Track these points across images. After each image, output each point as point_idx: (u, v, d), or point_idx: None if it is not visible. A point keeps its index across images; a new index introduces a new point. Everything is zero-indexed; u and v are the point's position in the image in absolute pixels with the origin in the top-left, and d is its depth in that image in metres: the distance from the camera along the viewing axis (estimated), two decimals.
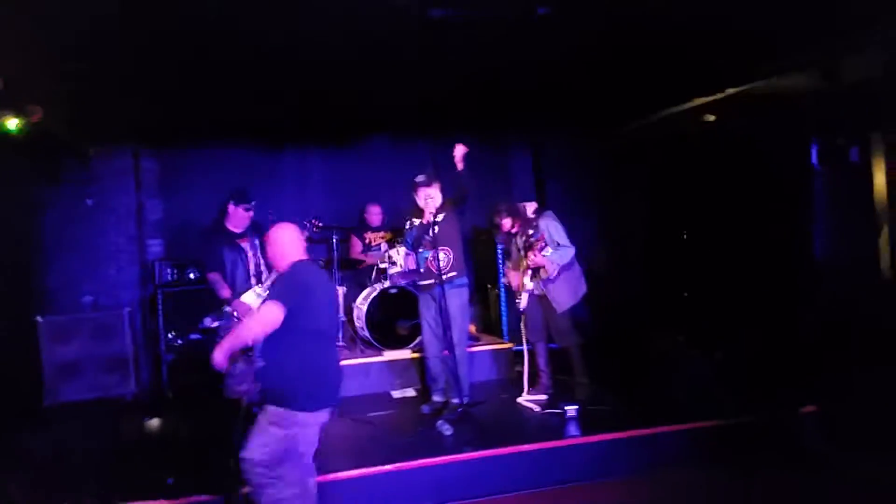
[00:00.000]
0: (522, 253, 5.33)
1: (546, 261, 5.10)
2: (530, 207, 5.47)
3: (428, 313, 5.27)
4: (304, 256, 3.62)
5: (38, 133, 5.13)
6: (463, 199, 5.16)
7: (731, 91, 6.10)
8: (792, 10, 4.31)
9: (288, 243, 3.60)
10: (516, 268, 5.45)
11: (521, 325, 5.54)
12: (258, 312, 3.63)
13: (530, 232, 5.18)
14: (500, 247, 7.13)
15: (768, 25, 4.58)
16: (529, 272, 5.26)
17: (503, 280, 6.75)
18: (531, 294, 5.34)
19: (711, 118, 6.56)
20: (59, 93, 5.05)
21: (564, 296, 5.23)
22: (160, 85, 5.25)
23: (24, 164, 6.11)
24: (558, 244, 5.17)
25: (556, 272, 5.14)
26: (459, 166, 5.02)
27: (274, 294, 3.46)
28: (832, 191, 5.79)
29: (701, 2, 4.11)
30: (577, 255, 5.30)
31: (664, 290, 7.15)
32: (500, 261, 7.10)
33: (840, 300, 5.51)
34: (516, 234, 5.44)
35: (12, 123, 4.85)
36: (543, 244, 5.06)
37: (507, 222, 5.46)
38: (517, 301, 5.46)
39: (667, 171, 7.34)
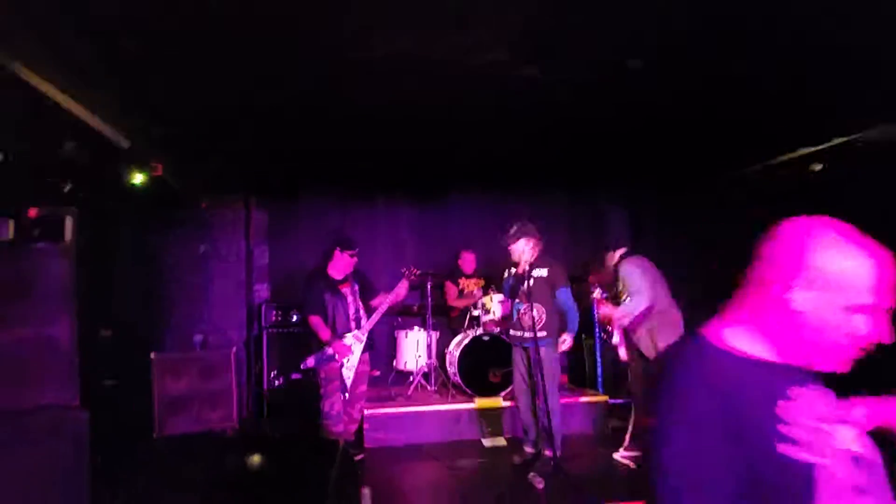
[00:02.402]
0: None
1: (613, 312, 4.97)
2: (617, 253, 5.24)
3: (520, 363, 5.23)
4: None
5: (157, 186, 5.57)
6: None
7: (837, 141, 5.87)
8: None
9: None
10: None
11: (629, 375, 5.37)
12: None
13: (616, 280, 5.09)
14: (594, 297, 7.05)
15: (876, 75, 4.42)
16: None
17: (599, 330, 6.62)
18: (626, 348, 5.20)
19: (818, 167, 6.30)
20: (176, 150, 5.51)
21: (652, 345, 4.97)
22: (268, 142, 5.62)
23: (145, 215, 6.64)
24: (631, 293, 4.93)
25: (626, 322, 4.95)
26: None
27: None
28: None
29: (807, 53, 4.02)
30: (677, 304, 5.11)
31: None
32: (594, 311, 7.00)
33: None
34: (610, 285, 5.32)
35: (137, 178, 5.30)
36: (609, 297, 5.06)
37: (593, 276, 5.46)
38: (620, 352, 5.31)
39: (770, 224, 7.05)
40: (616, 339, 5.19)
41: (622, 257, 5.15)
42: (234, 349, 6.56)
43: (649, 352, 4.99)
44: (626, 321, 4.95)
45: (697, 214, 7.66)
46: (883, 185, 5.83)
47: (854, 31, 3.63)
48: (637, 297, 4.86)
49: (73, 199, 4.56)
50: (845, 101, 4.97)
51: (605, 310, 5.06)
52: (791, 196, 6.80)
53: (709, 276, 5.33)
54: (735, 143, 6.15)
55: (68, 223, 4.33)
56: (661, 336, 4.90)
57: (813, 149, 6.09)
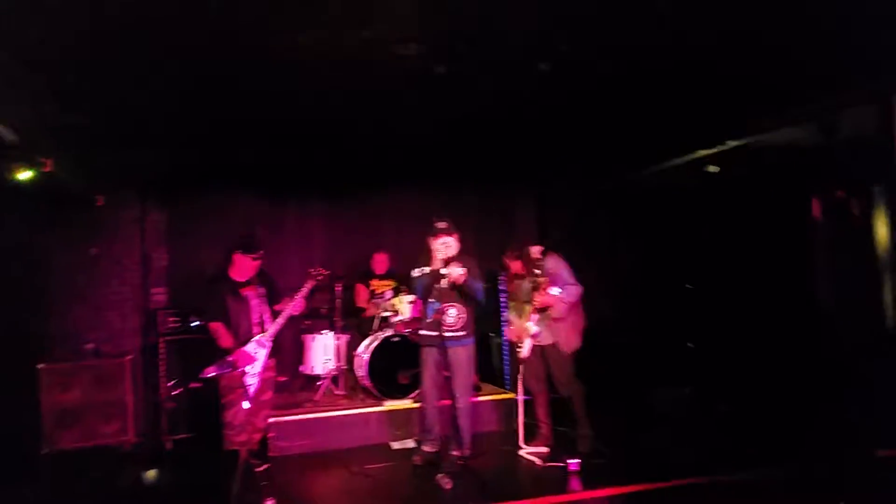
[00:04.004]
0: (528, 295, 5.28)
1: (554, 299, 5.09)
2: (536, 250, 5.39)
3: (431, 363, 5.21)
4: None
5: (46, 183, 5.23)
6: (474, 301, 5.16)
7: (732, 144, 6.18)
8: (790, 66, 4.40)
9: None
10: (520, 313, 5.42)
11: (520, 374, 5.48)
12: None
13: (537, 272, 5.17)
14: (502, 295, 7.14)
15: (769, 80, 4.68)
16: (535, 316, 5.21)
17: (506, 334, 6.68)
18: (534, 343, 5.29)
19: (715, 169, 6.62)
20: (67, 144, 5.18)
21: (573, 338, 5.26)
22: (167, 138, 5.37)
23: (31, 213, 6.21)
24: (565, 283, 5.18)
25: (564, 311, 5.13)
26: (461, 281, 4.95)
27: None
28: (834, 242, 5.82)
29: (703, 57, 4.20)
30: (582, 298, 5.31)
31: (669, 340, 7.09)
32: (504, 309, 7.08)
33: (845, 350, 5.49)
34: (523, 276, 5.43)
35: (24, 174, 4.95)
36: (551, 281, 5.09)
37: (515, 264, 5.49)
38: (518, 349, 5.38)
39: (671, 221, 7.36)
40: (534, 329, 5.23)
41: (545, 252, 5.32)
42: (130, 357, 6.25)
43: (568, 345, 5.22)
44: (563, 309, 5.14)
45: (602, 211, 7.90)
46: (775, 186, 6.21)
47: (752, 35, 3.82)
48: (572, 286, 5.18)
49: None
50: (741, 105, 5.24)
51: (546, 297, 5.13)
52: (687, 197, 7.13)
53: (611, 272, 5.53)
54: (635, 145, 6.38)
55: None
56: (578, 329, 5.29)
57: (708, 151, 6.38)
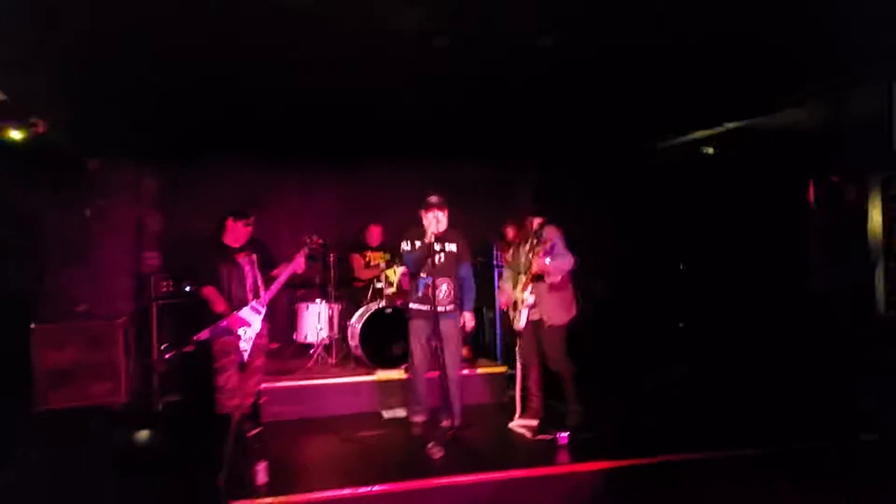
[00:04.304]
0: (525, 265, 5.29)
1: (550, 267, 5.08)
2: (536, 220, 5.39)
3: (421, 335, 5.25)
4: None
5: (39, 144, 5.17)
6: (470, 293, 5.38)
7: (729, 126, 6.18)
8: (789, 49, 4.40)
9: None
10: (515, 283, 5.42)
11: (518, 346, 5.50)
12: None
13: (535, 241, 5.17)
14: (497, 269, 7.17)
15: (767, 63, 4.68)
16: (530, 286, 5.22)
17: (498, 302, 6.71)
18: (528, 316, 5.31)
19: (710, 151, 6.62)
20: (61, 106, 5.12)
21: (557, 313, 5.21)
22: (162, 101, 5.31)
23: (23, 175, 6.14)
24: (561, 253, 5.15)
25: (559, 278, 5.13)
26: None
27: None
28: (828, 227, 5.85)
29: (701, 38, 4.19)
30: (573, 278, 5.31)
31: (660, 320, 7.14)
32: (496, 284, 7.11)
33: (835, 334, 5.55)
34: (518, 244, 5.44)
35: (16, 134, 4.90)
36: (548, 249, 5.05)
37: (510, 231, 5.57)
38: (514, 319, 5.40)
39: (665, 202, 7.37)
40: (531, 300, 5.21)
41: (545, 223, 5.30)
42: (122, 320, 6.24)
43: (554, 319, 5.18)
44: (558, 277, 5.11)
45: (598, 190, 7.89)
46: (769, 169, 6.22)
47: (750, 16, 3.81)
48: (567, 255, 5.12)
49: None
50: (741, 87, 5.24)
51: (541, 265, 5.09)
52: (685, 176, 7.14)
53: (606, 251, 5.53)
54: (633, 123, 6.37)
55: None
56: (566, 304, 5.25)
57: (704, 133, 6.39)
